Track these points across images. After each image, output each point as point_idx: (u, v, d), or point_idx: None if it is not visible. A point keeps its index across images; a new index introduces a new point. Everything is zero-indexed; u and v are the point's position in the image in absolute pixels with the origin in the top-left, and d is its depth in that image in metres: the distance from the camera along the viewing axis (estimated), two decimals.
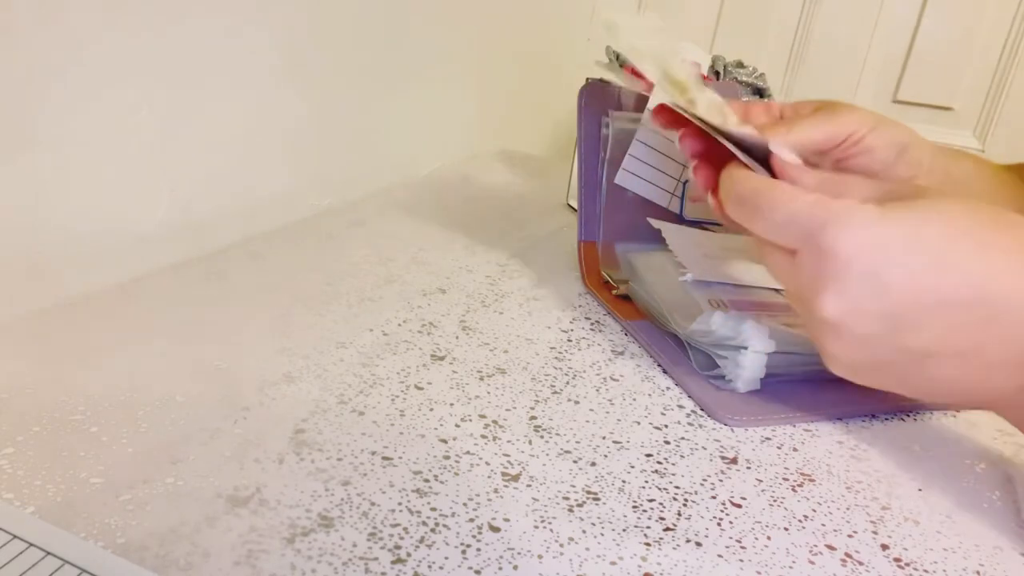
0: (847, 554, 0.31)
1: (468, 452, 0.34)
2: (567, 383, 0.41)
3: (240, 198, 0.58)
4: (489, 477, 0.33)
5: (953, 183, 0.45)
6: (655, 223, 0.51)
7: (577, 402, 0.39)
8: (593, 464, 0.34)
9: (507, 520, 0.30)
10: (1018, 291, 0.30)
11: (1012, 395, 0.32)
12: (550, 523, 0.30)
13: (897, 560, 0.31)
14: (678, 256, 0.48)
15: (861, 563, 0.30)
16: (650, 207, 0.55)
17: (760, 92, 0.64)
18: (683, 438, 0.37)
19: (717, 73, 0.65)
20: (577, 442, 0.36)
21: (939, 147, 0.46)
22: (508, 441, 0.35)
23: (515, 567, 0.28)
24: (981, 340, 0.30)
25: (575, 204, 0.57)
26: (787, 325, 0.43)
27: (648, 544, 0.30)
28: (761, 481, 0.35)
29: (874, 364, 0.33)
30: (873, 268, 0.30)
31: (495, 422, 0.37)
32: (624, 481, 0.33)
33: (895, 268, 0.30)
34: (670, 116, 0.41)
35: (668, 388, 0.42)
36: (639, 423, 0.38)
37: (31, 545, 0.26)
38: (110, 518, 0.28)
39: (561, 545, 0.29)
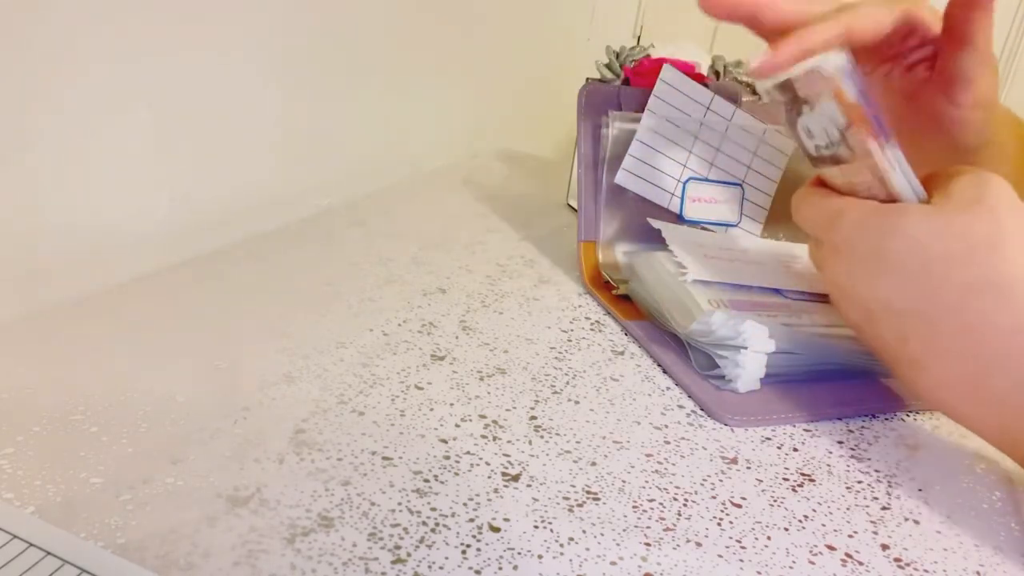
0: (847, 554, 0.31)
1: (468, 452, 0.34)
2: (567, 383, 0.41)
3: (240, 198, 0.59)
4: (489, 477, 0.33)
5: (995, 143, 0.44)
6: (655, 223, 0.51)
7: (577, 402, 0.39)
8: (593, 464, 0.34)
9: (507, 520, 0.30)
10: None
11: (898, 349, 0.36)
12: (550, 523, 0.30)
13: (897, 560, 0.31)
14: (678, 256, 0.48)
15: (861, 563, 0.30)
16: (650, 207, 0.55)
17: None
18: (683, 438, 0.37)
19: (717, 73, 0.65)
20: (577, 442, 0.36)
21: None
22: (508, 441, 0.35)
23: (515, 567, 0.28)
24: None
25: (575, 204, 0.57)
26: (787, 325, 0.43)
27: (648, 544, 0.30)
28: (761, 481, 0.35)
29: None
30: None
31: (495, 422, 0.37)
32: (624, 481, 0.33)
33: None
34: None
35: (668, 388, 0.42)
36: (639, 423, 0.38)
37: (31, 545, 0.26)
38: (110, 518, 0.28)
39: (561, 545, 0.29)
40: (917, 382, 0.36)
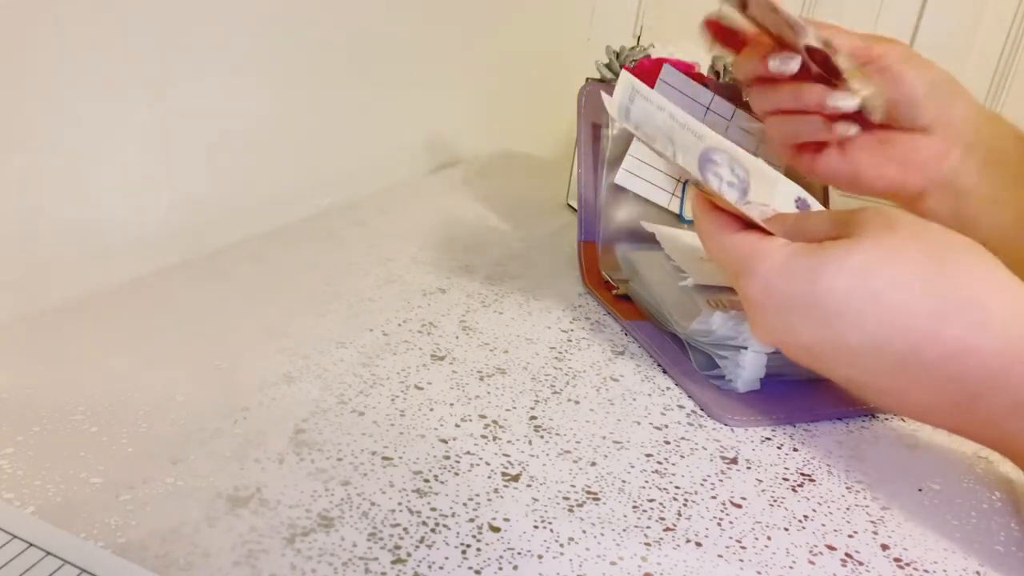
0: (847, 554, 0.31)
1: (468, 452, 0.34)
2: (567, 383, 0.41)
3: (240, 198, 0.58)
4: (489, 477, 0.33)
5: (985, 151, 0.44)
6: (649, 227, 0.51)
7: (577, 402, 0.39)
8: (593, 464, 0.34)
9: (507, 520, 0.30)
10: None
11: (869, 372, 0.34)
12: (550, 523, 0.30)
13: (897, 560, 0.31)
14: (677, 261, 0.48)
15: (861, 563, 0.30)
16: (650, 207, 0.55)
17: None
18: (683, 438, 0.37)
19: (717, 73, 0.64)
20: (577, 442, 0.36)
21: (983, 109, 0.45)
22: (508, 441, 0.35)
23: (515, 567, 0.28)
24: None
25: (575, 204, 0.57)
26: None
27: (648, 544, 0.30)
28: (761, 481, 0.35)
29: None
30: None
31: (495, 422, 0.37)
32: (624, 481, 0.33)
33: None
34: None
35: (668, 388, 0.42)
36: (639, 423, 0.38)
37: (31, 545, 0.26)
38: (110, 518, 0.28)
39: (561, 545, 0.29)
40: (896, 408, 0.34)
